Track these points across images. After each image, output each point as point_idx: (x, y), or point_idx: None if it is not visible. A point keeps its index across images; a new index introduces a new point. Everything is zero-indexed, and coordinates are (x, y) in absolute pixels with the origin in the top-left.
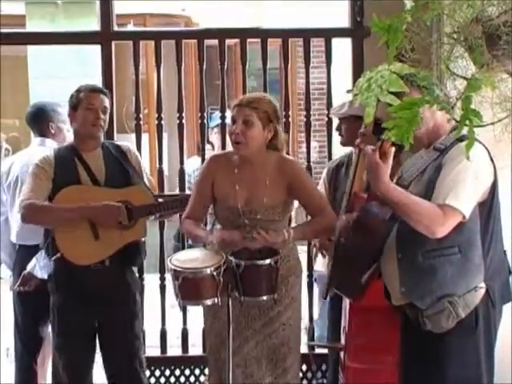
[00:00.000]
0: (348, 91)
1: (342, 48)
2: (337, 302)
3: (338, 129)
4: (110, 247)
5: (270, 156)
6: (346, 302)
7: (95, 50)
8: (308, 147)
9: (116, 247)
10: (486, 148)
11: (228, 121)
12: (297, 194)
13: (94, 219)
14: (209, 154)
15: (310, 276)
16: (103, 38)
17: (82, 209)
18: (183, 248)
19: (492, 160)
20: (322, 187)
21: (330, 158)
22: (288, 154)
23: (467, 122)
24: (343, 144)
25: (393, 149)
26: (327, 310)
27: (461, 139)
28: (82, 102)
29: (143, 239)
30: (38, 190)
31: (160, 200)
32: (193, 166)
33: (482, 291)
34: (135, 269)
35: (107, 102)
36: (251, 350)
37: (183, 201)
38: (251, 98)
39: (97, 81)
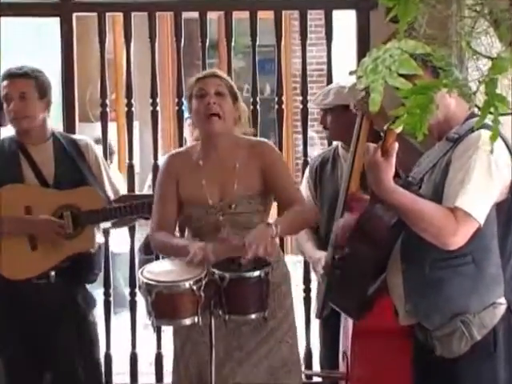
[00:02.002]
0: (351, 73)
1: (345, 22)
2: (332, 322)
3: (323, 122)
4: (50, 259)
5: (238, 138)
6: (348, 323)
7: (53, 23)
8: (305, 139)
9: (57, 259)
10: (505, 140)
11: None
12: (270, 180)
13: (32, 233)
14: None
15: (307, 291)
16: (62, 9)
17: (16, 220)
18: (156, 259)
19: None
20: (305, 189)
21: None
22: (280, 146)
23: (491, 110)
24: (330, 139)
25: (396, 144)
26: (319, 330)
27: (475, 129)
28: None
29: (93, 251)
30: None
31: (116, 205)
32: None
33: (502, 308)
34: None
35: (26, 86)
36: (246, 375)
37: (145, 206)
38: (213, 71)
39: (55, 60)
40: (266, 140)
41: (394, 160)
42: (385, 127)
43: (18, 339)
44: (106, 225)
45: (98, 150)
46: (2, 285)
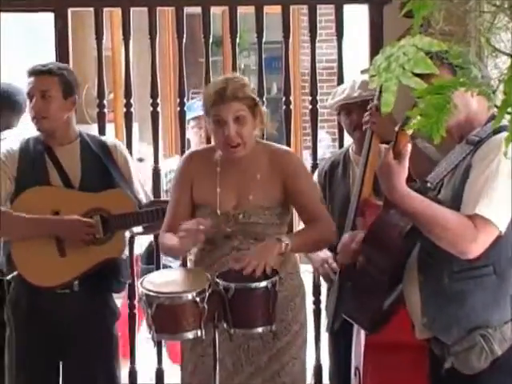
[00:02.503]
0: (362, 71)
1: (357, 17)
2: (343, 336)
3: (349, 120)
4: (79, 266)
5: (260, 147)
6: (360, 336)
7: (48, 19)
8: (314, 141)
9: (86, 266)
10: None
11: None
12: (291, 194)
13: (59, 235)
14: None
15: (316, 302)
16: (56, 4)
17: (44, 221)
18: (158, 269)
19: None
20: None
21: None
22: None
23: (510, 109)
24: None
25: (410, 146)
26: (329, 345)
27: (498, 131)
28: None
29: (124, 256)
30: None
31: (148, 208)
32: (171, 167)
33: None
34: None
35: (49, 84)
36: None
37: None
38: (234, 88)
39: (50, 58)
40: (289, 149)
41: (407, 163)
42: (396, 128)
43: (37, 352)
44: (138, 230)
45: (128, 152)
46: (23, 292)
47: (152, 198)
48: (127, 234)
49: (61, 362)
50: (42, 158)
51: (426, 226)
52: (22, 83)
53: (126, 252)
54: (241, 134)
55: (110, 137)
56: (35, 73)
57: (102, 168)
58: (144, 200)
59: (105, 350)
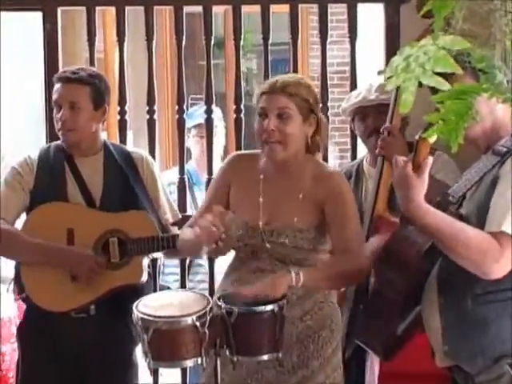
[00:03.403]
0: (379, 72)
1: (371, 17)
2: (356, 364)
3: (365, 126)
4: (92, 292)
5: (307, 162)
6: (374, 364)
7: (36, 18)
8: (324, 152)
9: (99, 292)
10: None
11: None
12: (327, 218)
13: (66, 266)
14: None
15: None
16: (45, 3)
17: (52, 250)
18: (155, 290)
19: None
20: None
21: None
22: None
23: None
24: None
25: (431, 158)
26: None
27: None
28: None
29: (144, 280)
30: (6, 205)
31: (168, 234)
32: (170, 180)
33: None
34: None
35: (79, 95)
36: None
37: None
38: (286, 82)
39: (38, 60)
40: (339, 171)
41: (426, 176)
42: (416, 136)
43: (53, 379)
44: (157, 255)
45: (156, 166)
46: (36, 313)
47: (180, 216)
48: (146, 260)
49: None
50: (62, 170)
51: (446, 244)
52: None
53: (145, 277)
54: (283, 131)
55: (136, 148)
56: (64, 80)
57: (126, 183)
58: (171, 219)
59: (123, 377)
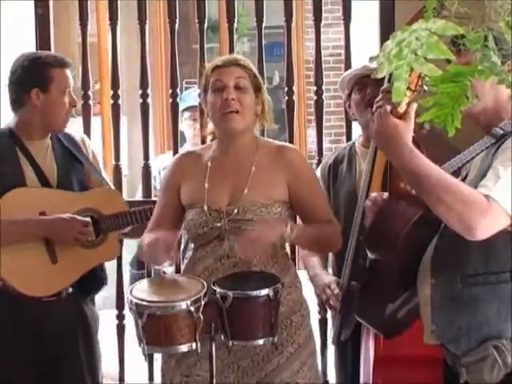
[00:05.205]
0: (371, 59)
1: None
2: (351, 348)
3: (362, 95)
4: (72, 273)
5: (259, 142)
6: (369, 349)
7: (27, 4)
8: (319, 136)
9: (79, 272)
10: None
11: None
12: (294, 196)
13: (50, 237)
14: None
15: (322, 311)
16: None
17: (32, 223)
18: (149, 275)
19: None
20: None
21: None
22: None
23: None
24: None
25: (415, 104)
26: (336, 358)
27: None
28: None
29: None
30: None
31: (138, 208)
32: (164, 164)
33: None
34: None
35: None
36: None
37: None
38: (238, 57)
39: (31, 45)
40: (293, 146)
41: (412, 122)
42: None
43: (24, 363)
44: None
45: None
46: (6, 301)
47: None
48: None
49: (50, 372)
50: (15, 154)
51: (435, 192)
52: None
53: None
54: (241, 101)
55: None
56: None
57: (76, 164)
58: None
59: (93, 356)
